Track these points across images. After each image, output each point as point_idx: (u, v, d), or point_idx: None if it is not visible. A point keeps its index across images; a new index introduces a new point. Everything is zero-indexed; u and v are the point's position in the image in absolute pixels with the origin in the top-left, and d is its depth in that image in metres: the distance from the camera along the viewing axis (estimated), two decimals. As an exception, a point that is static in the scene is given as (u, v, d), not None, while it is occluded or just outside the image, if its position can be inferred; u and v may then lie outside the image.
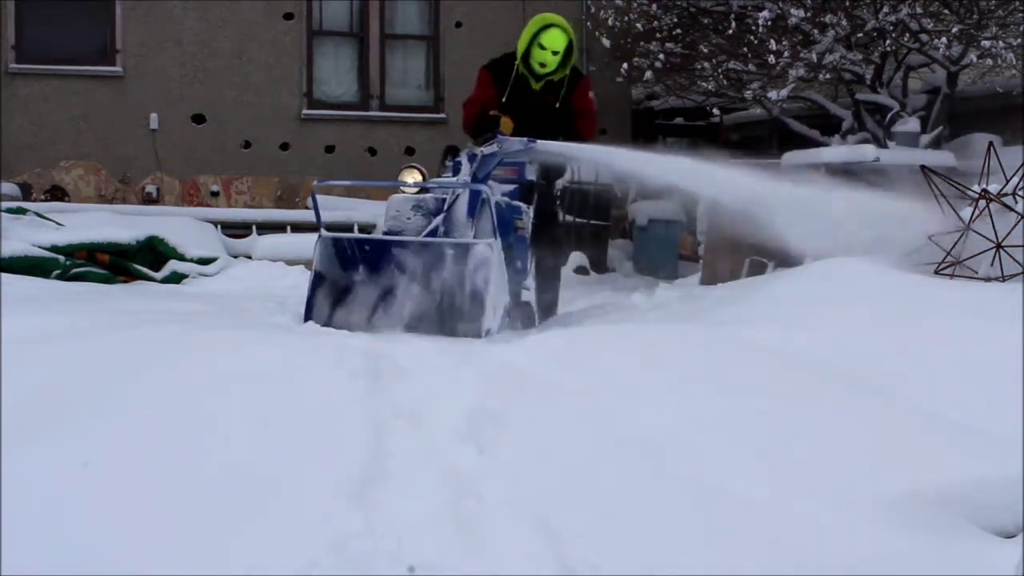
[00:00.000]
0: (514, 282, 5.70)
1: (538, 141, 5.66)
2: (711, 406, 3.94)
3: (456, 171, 5.99)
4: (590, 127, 6.41)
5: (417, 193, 5.97)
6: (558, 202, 6.63)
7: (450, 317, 5.21)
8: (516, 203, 6.06)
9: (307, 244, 9.91)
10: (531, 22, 6.24)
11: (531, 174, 6.21)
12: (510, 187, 6.10)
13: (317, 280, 5.39)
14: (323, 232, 5.49)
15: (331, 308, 5.41)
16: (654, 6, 10.77)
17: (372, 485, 3.03)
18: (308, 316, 5.30)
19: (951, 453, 3.39)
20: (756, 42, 9.58)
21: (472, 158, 5.81)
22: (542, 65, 6.16)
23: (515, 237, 5.97)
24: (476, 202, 5.65)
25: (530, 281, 6.15)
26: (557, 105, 6.25)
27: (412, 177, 6.08)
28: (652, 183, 6.70)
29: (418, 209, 5.85)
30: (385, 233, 5.90)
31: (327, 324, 5.23)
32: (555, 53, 6.12)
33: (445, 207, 5.74)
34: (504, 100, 6.19)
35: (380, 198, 9.27)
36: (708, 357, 4.36)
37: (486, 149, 5.71)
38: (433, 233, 5.63)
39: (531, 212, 6.18)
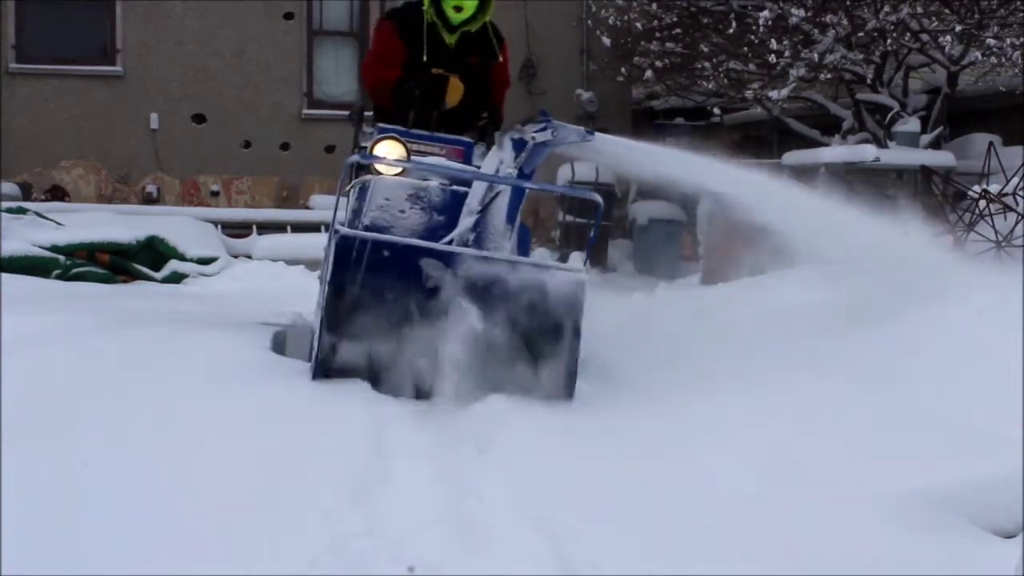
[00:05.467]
0: None
1: (596, 135, 4.49)
2: (709, 405, 3.95)
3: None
4: (503, 101, 5.28)
5: (398, 175, 4.44)
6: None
7: (522, 368, 4.00)
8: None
9: (307, 244, 10.03)
10: None
11: (479, 159, 4.76)
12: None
13: (332, 308, 3.88)
14: (339, 229, 3.98)
15: (349, 356, 3.93)
16: (654, 5, 10.78)
17: (372, 485, 3.03)
18: (317, 371, 3.91)
19: (951, 453, 3.39)
20: (757, 42, 9.58)
21: (519, 145, 4.39)
22: (457, 9, 4.90)
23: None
24: (518, 204, 4.39)
25: None
26: (479, 65, 5.03)
27: (394, 152, 4.44)
28: (722, 199, 5.39)
29: (416, 200, 4.43)
30: (366, 228, 4.28)
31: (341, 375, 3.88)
32: None
33: (479, 204, 4.30)
34: (425, 59, 4.90)
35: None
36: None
37: (538, 136, 4.38)
38: (452, 237, 4.28)
39: None
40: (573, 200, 11.06)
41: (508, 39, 5.22)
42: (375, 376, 3.91)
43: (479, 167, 4.54)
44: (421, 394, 3.93)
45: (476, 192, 4.30)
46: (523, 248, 4.66)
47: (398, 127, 4.63)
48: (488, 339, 3.89)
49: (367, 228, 4.23)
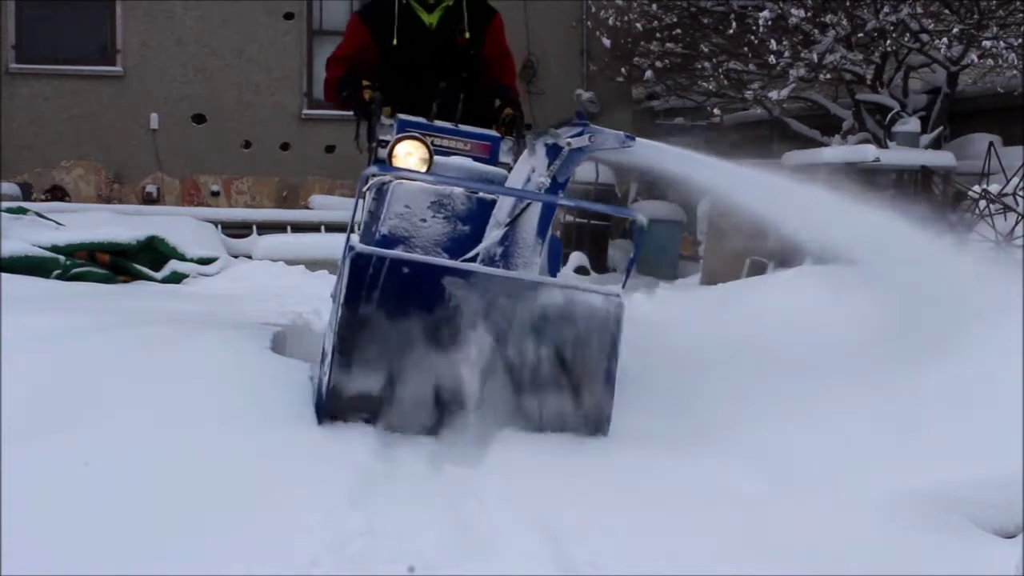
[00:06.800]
0: None
1: (637, 140, 4.06)
2: (711, 410, 3.95)
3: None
4: (513, 76, 4.82)
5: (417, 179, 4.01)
6: None
7: (551, 402, 3.64)
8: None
9: (307, 244, 10.04)
10: None
11: (506, 155, 4.37)
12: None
13: (347, 339, 3.48)
14: (355, 243, 3.58)
15: (362, 393, 3.52)
16: (654, 6, 10.78)
17: (372, 485, 3.03)
18: (324, 411, 3.52)
19: (952, 453, 3.39)
20: (756, 42, 9.57)
21: (553, 151, 3.97)
22: None
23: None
24: (551, 216, 3.99)
25: None
26: (466, 45, 4.59)
27: (416, 153, 4.08)
28: (780, 223, 4.74)
29: (439, 208, 4.03)
30: (383, 237, 3.96)
31: (352, 415, 3.53)
32: None
33: (508, 216, 3.92)
34: (395, 43, 4.48)
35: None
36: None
37: (574, 141, 3.97)
38: (477, 252, 3.90)
39: None
40: (574, 200, 11.00)
41: (508, 38, 4.82)
42: (389, 410, 3.55)
43: (506, 165, 4.23)
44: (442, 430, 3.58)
45: (504, 202, 3.95)
46: (554, 264, 4.35)
47: (420, 119, 4.26)
48: (516, 368, 3.58)
49: (384, 237, 3.94)
